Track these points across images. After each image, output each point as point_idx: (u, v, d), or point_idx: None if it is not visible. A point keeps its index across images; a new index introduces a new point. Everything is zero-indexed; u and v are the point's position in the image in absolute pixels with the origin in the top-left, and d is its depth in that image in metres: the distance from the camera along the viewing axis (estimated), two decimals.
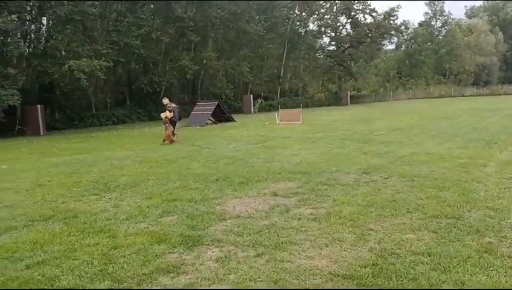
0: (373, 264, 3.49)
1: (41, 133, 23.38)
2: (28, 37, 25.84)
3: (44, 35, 27.42)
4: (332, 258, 3.67)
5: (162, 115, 14.56)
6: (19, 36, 22.94)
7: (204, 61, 35.39)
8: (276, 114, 22.80)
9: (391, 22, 57.95)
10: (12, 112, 23.74)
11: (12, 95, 20.68)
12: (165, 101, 15.17)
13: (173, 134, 14.40)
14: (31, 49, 26.27)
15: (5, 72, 21.38)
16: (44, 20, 26.86)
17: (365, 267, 3.44)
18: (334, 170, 7.53)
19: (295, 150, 10.80)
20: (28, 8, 23.32)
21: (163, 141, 14.22)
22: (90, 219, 5.14)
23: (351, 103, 51.01)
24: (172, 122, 14.45)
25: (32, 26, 26.43)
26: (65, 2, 23.46)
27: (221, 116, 25.38)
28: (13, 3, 21.57)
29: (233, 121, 25.26)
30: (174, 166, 9.16)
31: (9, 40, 21.77)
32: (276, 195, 5.91)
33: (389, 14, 57.14)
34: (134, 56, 31.00)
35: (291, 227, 4.47)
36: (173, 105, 14.83)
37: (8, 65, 23.18)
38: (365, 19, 57.53)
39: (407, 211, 4.89)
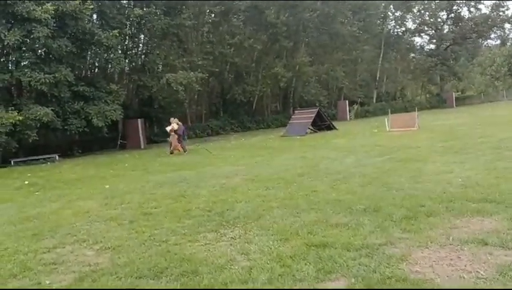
0: None
1: (142, 147, 23.48)
2: (128, 52, 26.42)
3: (143, 50, 27.97)
4: None
5: (168, 128, 16.86)
6: (120, 52, 23.28)
7: (297, 68, 33.80)
8: (386, 119, 20.25)
9: (501, 13, 51.74)
10: (115, 126, 24.20)
11: (115, 110, 20.94)
12: (172, 120, 17.47)
13: (179, 144, 16.77)
14: (131, 65, 26.87)
15: (108, 88, 21.79)
16: (141, 36, 27.40)
17: None
18: None
19: (441, 165, 8.48)
20: (128, 24, 23.68)
21: (171, 153, 16.69)
22: (216, 280, 3.56)
23: (456, 105, 45.98)
24: (178, 135, 16.75)
25: (131, 43, 27.05)
26: (162, 16, 23.52)
27: (321, 124, 23.47)
28: (114, 20, 21.96)
29: (335, 129, 23.17)
30: (294, 187, 7.47)
31: (111, 56, 22.16)
32: (486, 243, 3.84)
33: (498, 5, 51.07)
34: (227, 66, 30.47)
35: None
36: (176, 120, 17.23)
37: (110, 81, 23.75)
38: (470, 13, 52.09)
39: None
